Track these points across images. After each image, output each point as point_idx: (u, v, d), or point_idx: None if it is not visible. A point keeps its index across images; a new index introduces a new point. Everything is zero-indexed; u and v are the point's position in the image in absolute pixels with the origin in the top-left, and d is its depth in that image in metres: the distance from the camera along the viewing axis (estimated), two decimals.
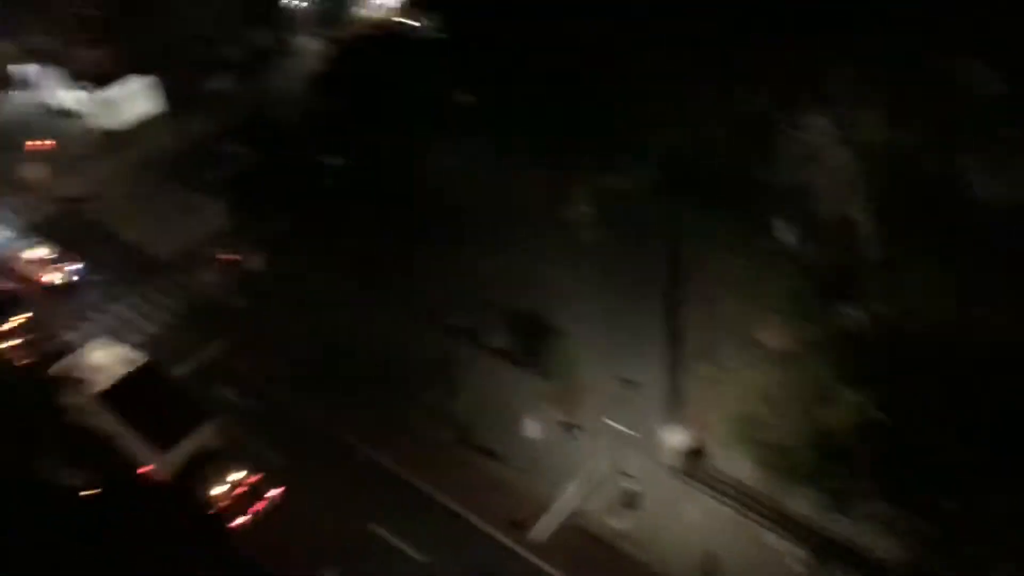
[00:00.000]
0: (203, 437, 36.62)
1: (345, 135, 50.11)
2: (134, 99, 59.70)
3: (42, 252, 48.86)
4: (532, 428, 38.63)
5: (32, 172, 55.49)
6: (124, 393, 37.16)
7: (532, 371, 41.08)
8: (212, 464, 36.00)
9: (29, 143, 56.15)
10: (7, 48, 61.48)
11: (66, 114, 60.48)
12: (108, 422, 36.77)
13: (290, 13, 66.33)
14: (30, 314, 44.17)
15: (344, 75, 50.11)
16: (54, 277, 48.07)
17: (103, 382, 37.86)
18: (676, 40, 38.67)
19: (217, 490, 35.34)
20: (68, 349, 41.85)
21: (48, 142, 56.63)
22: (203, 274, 48.74)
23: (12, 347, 42.86)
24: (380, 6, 68.47)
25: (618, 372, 39.97)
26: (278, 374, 42.33)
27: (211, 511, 34.73)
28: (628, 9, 41.89)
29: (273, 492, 35.84)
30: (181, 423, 36.51)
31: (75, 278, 48.73)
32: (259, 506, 35.24)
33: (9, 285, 46.68)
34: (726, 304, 40.83)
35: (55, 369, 39.70)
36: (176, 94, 60.10)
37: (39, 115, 60.41)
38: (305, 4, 66.74)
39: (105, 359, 39.33)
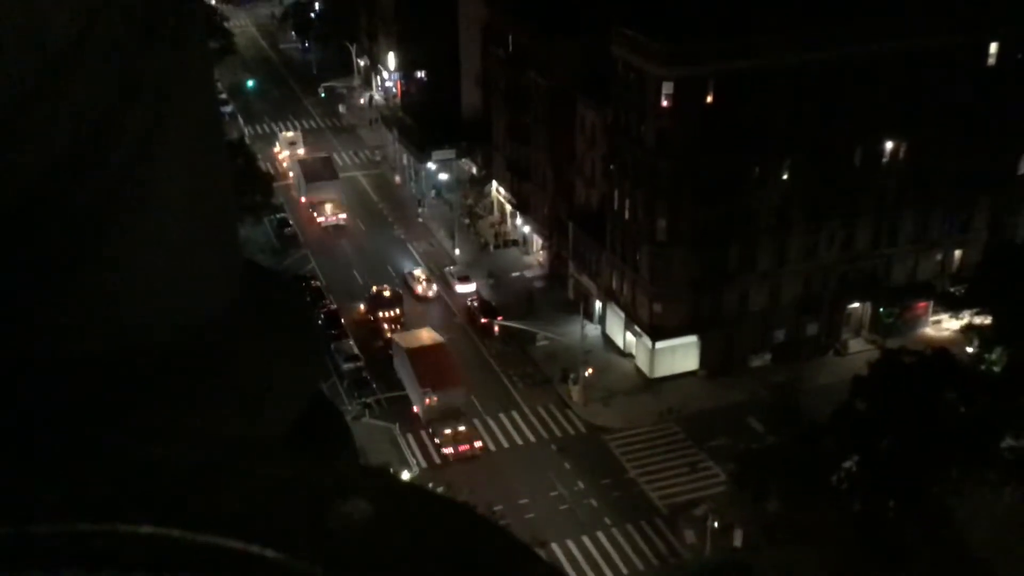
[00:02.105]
0: (451, 396, 57.87)
1: (870, 444, 48.86)
2: (679, 354, 63.80)
3: None
4: None
5: (573, 393, 61.46)
6: (422, 351, 59.39)
7: None
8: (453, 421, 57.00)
9: (581, 372, 62.28)
10: (591, 282, 69.74)
11: (621, 353, 66.35)
12: (402, 357, 60.59)
13: (846, 313, 67.33)
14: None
15: (886, 388, 49.36)
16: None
17: (409, 339, 61.40)
18: None
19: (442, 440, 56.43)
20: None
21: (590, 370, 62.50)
22: (686, 532, 49.57)
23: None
24: (941, 326, 66.93)
25: None
26: None
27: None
28: None
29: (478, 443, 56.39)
30: (445, 381, 57.97)
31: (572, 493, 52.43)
32: (464, 448, 55.84)
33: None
34: None
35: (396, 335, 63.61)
36: (717, 359, 63.21)
37: (598, 345, 66.97)
38: (858, 306, 67.42)
39: (426, 337, 61.68)
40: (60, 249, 1.07)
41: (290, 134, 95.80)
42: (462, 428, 56.83)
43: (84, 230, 1.06)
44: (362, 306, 69.47)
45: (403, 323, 66.66)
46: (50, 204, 1.04)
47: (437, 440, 56.75)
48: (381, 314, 67.17)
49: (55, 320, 1.10)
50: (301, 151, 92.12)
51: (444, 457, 56.20)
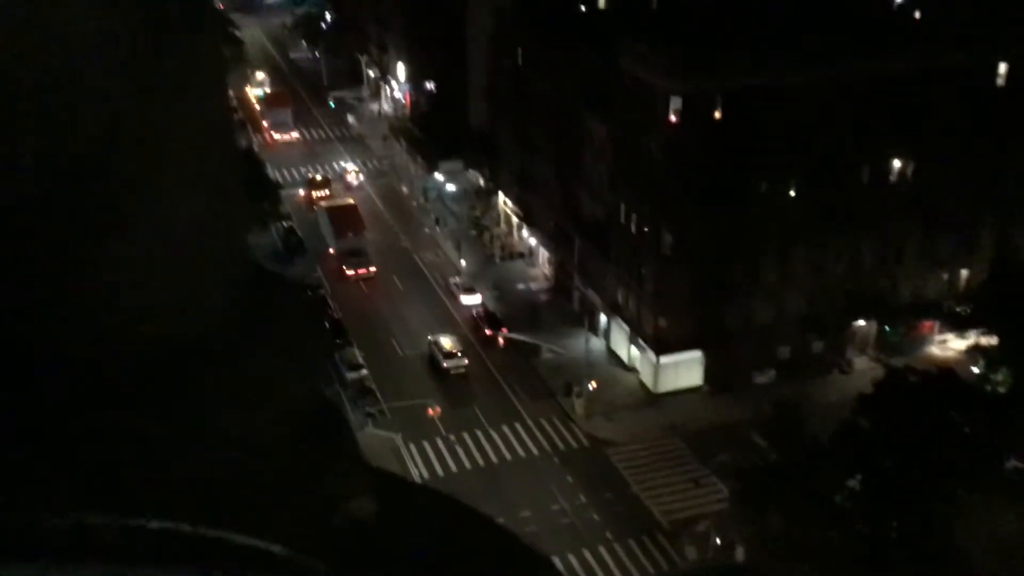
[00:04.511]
0: (357, 239, 78.84)
1: (874, 463, 48.73)
2: (683, 369, 63.71)
3: None
4: None
5: (576, 406, 61.37)
6: (337, 208, 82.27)
7: None
8: (356, 256, 77.78)
9: (585, 385, 62.26)
10: (596, 296, 69.71)
11: (625, 367, 66.29)
12: (323, 215, 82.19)
13: (851, 331, 67.23)
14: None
15: (891, 407, 49.26)
16: None
17: (329, 202, 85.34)
18: None
19: (347, 266, 77.41)
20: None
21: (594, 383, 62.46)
22: (688, 548, 49.41)
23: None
24: (947, 346, 66.80)
25: None
26: None
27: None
28: None
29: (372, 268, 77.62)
30: (352, 229, 79.69)
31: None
32: (361, 271, 77.24)
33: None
34: None
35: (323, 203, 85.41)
36: (721, 375, 63.08)
37: (602, 359, 66.94)
38: (863, 324, 67.31)
39: (341, 201, 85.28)
40: (73, 246, 1.07)
41: (260, 75, 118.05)
42: (361, 259, 77.55)
43: (94, 228, 1.08)
44: (301, 191, 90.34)
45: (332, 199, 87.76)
46: (62, 200, 1.04)
47: (344, 266, 76.87)
48: (315, 193, 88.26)
49: (64, 317, 1.11)
50: (267, 89, 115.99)
51: (347, 277, 76.80)
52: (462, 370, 65.20)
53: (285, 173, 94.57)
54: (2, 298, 1.07)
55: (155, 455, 0.95)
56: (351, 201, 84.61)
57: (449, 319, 71.63)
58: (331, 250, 79.39)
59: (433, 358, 66.52)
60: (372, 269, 77.48)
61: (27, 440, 0.98)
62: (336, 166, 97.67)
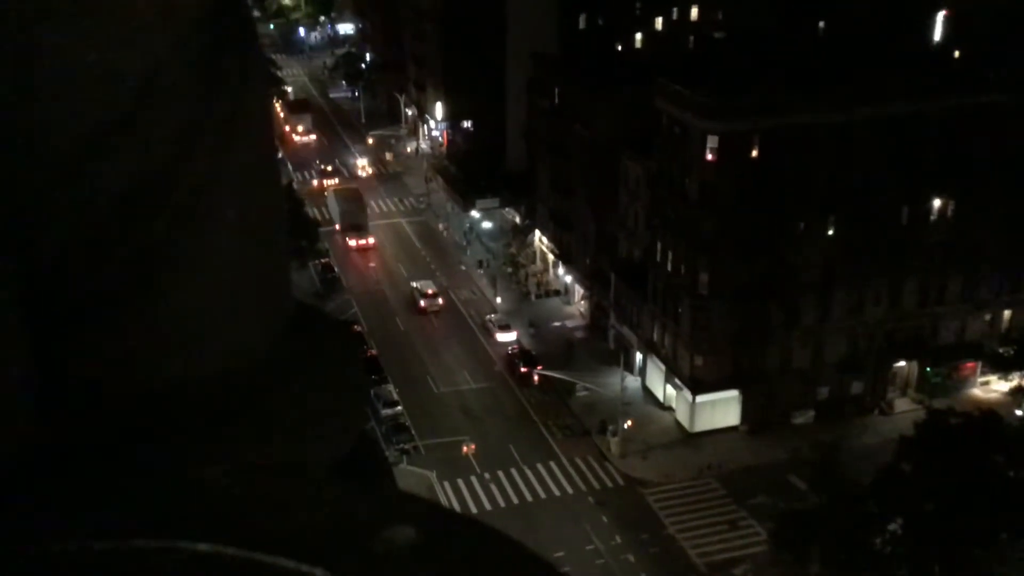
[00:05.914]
0: (359, 216, 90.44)
1: (915, 506, 47.90)
2: (720, 408, 63.14)
3: None
4: None
5: (611, 445, 60.96)
6: (343, 190, 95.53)
7: None
8: (357, 229, 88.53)
9: (620, 424, 61.88)
10: (631, 334, 69.48)
11: (661, 406, 65.88)
12: (331, 196, 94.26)
13: (892, 372, 66.38)
14: None
15: (932, 449, 48.51)
16: None
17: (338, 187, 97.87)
18: None
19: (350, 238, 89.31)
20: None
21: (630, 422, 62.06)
22: None
23: None
24: (989, 388, 65.75)
25: None
26: None
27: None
28: None
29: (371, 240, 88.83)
30: (356, 207, 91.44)
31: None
32: (362, 242, 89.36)
33: None
34: None
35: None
36: (758, 415, 62.44)
37: (638, 398, 66.53)
38: (904, 365, 66.43)
39: (346, 185, 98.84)
40: (119, 287, 1.10)
41: (287, 89, 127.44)
42: (362, 232, 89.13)
43: (141, 270, 1.11)
44: (315, 181, 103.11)
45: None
46: (109, 243, 1.07)
47: (347, 238, 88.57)
48: (326, 182, 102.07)
49: (113, 353, 1.15)
50: (291, 98, 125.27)
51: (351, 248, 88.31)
52: (436, 308, 77.31)
53: (324, 211, 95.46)
54: (58, 337, 1.10)
55: (202, 484, 0.98)
56: (355, 187, 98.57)
57: (484, 356, 71.60)
58: (337, 226, 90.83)
59: (413, 299, 78.55)
60: (371, 240, 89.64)
61: (79, 470, 1.02)
62: (374, 200, 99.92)
